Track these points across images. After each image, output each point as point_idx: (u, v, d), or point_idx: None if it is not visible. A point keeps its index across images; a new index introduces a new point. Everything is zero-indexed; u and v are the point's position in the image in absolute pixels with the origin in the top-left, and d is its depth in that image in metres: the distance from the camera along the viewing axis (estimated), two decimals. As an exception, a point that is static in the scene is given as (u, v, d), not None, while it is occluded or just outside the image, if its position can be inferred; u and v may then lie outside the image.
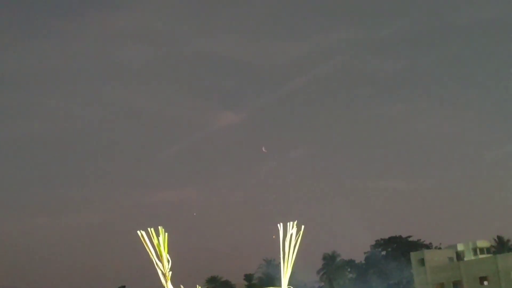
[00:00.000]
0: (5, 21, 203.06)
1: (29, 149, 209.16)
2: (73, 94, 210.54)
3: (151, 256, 6.48)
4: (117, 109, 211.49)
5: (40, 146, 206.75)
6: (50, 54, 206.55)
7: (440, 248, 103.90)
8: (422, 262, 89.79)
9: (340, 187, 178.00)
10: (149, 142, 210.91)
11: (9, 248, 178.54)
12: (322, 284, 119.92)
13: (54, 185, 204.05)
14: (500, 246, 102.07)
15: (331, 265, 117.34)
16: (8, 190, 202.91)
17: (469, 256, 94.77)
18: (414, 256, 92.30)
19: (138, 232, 6.43)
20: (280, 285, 7.09)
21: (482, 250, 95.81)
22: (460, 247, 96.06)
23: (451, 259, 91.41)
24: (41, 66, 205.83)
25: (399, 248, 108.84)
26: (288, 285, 7.04)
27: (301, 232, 6.92)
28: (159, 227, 6.41)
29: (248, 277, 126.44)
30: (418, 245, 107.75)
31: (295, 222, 6.89)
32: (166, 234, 6.41)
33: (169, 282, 6.54)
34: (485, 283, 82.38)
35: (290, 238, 6.87)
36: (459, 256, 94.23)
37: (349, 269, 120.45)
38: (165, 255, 6.47)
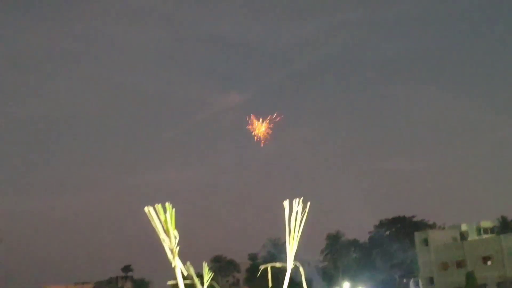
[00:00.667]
0: (10, 3, 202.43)
1: (33, 130, 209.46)
2: (77, 75, 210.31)
3: (158, 232, 6.51)
4: (122, 90, 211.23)
5: (43, 127, 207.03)
6: (54, 35, 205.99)
7: (444, 228, 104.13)
8: (425, 242, 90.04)
9: (344, 168, 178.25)
10: (153, 122, 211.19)
11: (16, 228, 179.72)
12: (326, 263, 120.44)
13: (57, 166, 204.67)
14: (504, 226, 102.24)
15: (335, 245, 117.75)
16: (11, 170, 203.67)
17: (472, 236, 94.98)
18: (418, 236, 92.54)
19: (145, 208, 6.45)
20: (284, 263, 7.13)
21: (485, 230, 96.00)
22: (464, 227, 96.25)
23: (454, 239, 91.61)
24: (45, 47, 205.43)
25: (403, 228, 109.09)
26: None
27: (307, 209, 6.94)
28: (166, 203, 6.43)
29: (252, 256, 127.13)
30: (422, 225, 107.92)
31: (301, 199, 6.89)
32: (173, 210, 6.44)
33: (176, 258, 6.58)
34: (489, 262, 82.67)
35: (296, 214, 6.89)
36: (463, 236, 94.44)
37: (353, 249, 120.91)
38: (172, 231, 6.50)
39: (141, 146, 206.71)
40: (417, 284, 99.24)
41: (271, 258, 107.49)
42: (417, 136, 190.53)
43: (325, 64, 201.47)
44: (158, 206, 6.43)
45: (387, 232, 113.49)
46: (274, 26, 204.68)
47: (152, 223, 6.46)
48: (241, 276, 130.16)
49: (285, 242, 7.06)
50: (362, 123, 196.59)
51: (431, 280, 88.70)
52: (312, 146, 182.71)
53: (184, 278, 6.68)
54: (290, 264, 6.95)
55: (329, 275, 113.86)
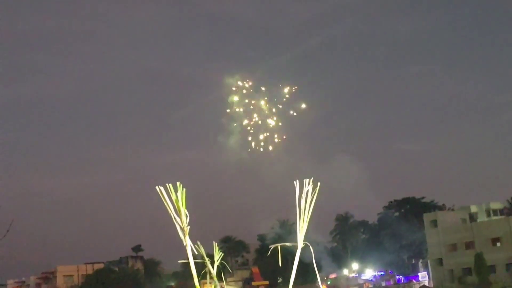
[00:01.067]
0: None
1: (44, 110, 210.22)
2: (87, 55, 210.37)
3: (169, 211, 6.57)
4: (132, 70, 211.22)
5: (56, 106, 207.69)
6: (64, 14, 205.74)
7: (453, 210, 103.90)
8: (435, 223, 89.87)
9: (353, 148, 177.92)
10: (163, 103, 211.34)
11: (28, 209, 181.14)
12: (335, 244, 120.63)
13: (67, 146, 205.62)
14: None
15: (344, 226, 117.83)
16: (22, 151, 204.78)
17: (482, 218, 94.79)
18: (427, 217, 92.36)
19: (157, 187, 6.50)
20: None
21: (495, 212, 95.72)
22: (473, 209, 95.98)
23: (464, 220, 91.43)
24: (56, 27, 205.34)
25: (412, 209, 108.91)
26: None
27: (317, 189, 6.95)
28: (177, 182, 6.48)
29: (261, 237, 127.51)
30: (431, 207, 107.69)
31: (311, 179, 6.91)
32: (184, 189, 6.48)
33: (187, 237, 6.64)
34: (498, 244, 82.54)
35: (306, 194, 6.90)
36: (472, 217, 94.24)
37: (361, 230, 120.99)
38: (183, 210, 6.55)
39: (151, 126, 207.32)
40: (425, 265, 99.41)
41: (280, 239, 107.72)
42: (427, 117, 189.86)
43: (335, 44, 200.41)
44: (169, 186, 6.48)
45: (396, 213, 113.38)
46: (283, 5, 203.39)
47: (164, 202, 6.51)
48: (251, 256, 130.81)
49: (294, 224, 7.09)
50: (372, 104, 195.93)
51: (439, 261, 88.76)
52: (322, 127, 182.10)
53: (194, 257, 6.73)
54: (300, 243, 6.98)
55: (338, 255, 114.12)
